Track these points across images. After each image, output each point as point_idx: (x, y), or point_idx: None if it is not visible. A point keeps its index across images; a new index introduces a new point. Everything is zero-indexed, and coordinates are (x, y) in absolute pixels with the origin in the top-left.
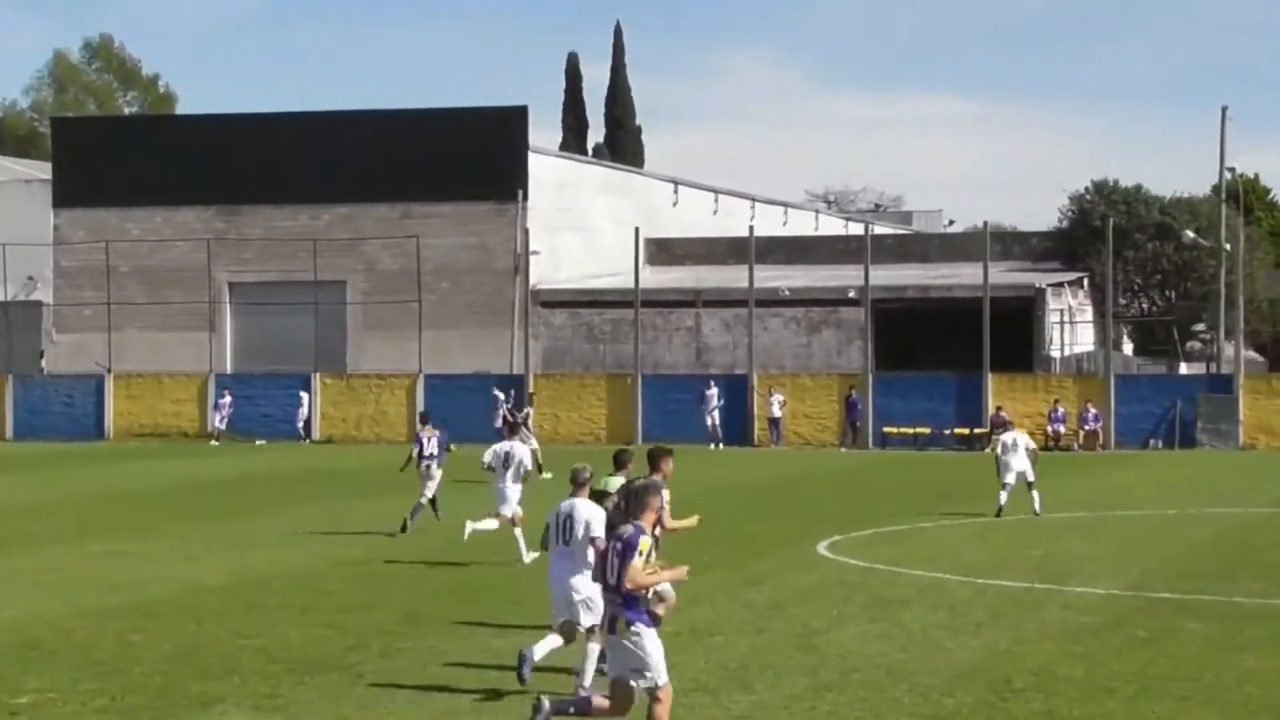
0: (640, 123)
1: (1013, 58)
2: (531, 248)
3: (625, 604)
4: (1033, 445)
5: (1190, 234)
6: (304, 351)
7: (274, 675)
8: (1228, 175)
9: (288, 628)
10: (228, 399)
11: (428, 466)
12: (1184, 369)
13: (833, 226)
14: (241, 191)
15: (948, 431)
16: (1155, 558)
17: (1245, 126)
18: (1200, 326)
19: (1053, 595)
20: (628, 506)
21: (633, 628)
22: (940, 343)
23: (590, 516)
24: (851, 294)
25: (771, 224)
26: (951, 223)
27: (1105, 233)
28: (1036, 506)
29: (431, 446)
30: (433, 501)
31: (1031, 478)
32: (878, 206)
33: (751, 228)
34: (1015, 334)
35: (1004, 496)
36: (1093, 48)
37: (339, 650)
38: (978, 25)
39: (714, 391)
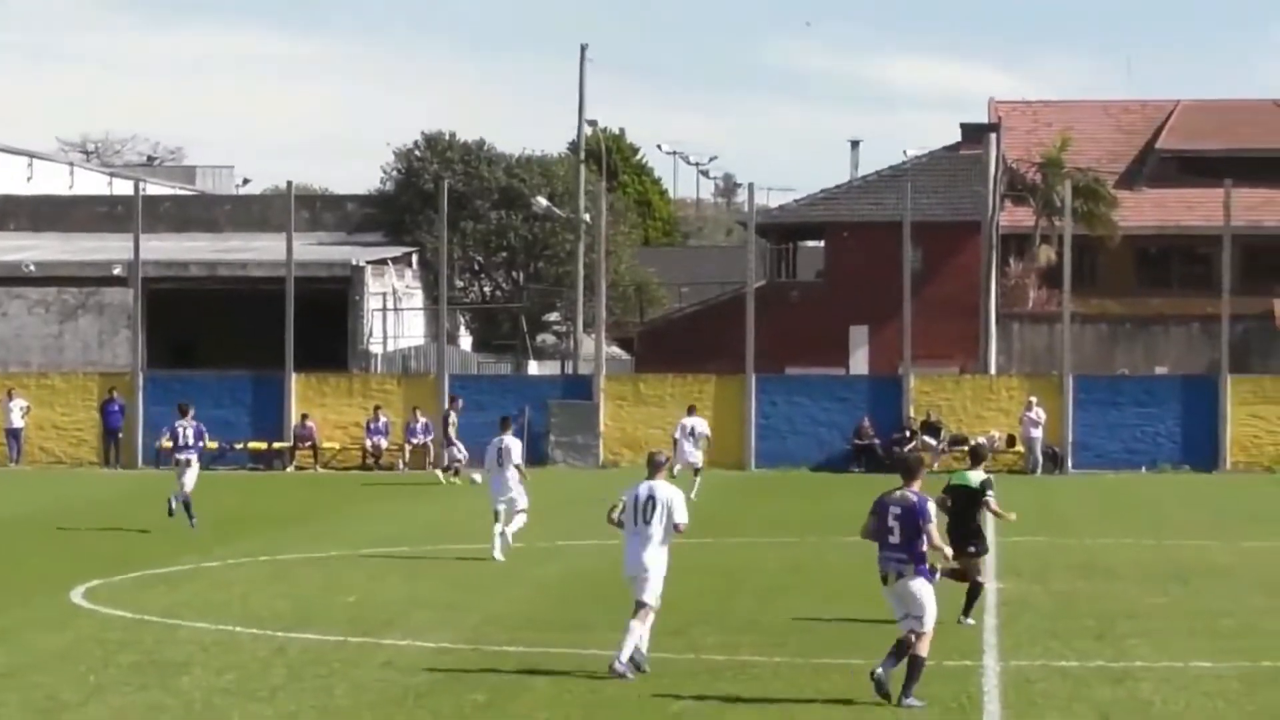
0: None
1: None
2: None
3: (913, 560)
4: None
5: (543, 201)
6: None
7: None
8: (587, 130)
9: None
10: None
11: (185, 460)
12: (534, 368)
13: (93, 184)
14: None
15: (240, 445)
16: (497, 603)
17: (609, 73)
18: (554, 317)
19: (370, 651)
20: (905, 476)
21: (914, 581)
22: (233, 334)
23: (671, 498)
24: (118, 271)
25: (12, 179)
26: (246, 182)
27: (439, 198)
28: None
29: (188, 436)
30: (186, 505)
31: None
32: (151, 160)
33: None
34: (328, 323)
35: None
36: None
37: None
38: None
39: None
